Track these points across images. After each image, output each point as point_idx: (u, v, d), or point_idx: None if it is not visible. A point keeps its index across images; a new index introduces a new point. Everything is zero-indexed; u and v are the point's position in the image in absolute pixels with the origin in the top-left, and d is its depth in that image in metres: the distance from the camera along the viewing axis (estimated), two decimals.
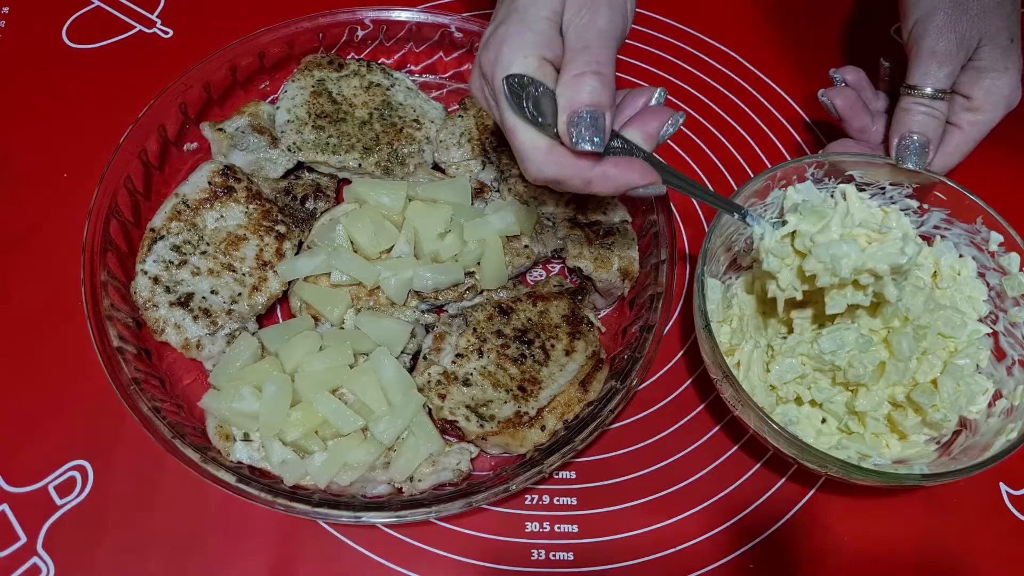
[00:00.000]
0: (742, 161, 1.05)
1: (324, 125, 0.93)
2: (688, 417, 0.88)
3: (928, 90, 0.83)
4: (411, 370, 0.83)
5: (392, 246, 0.86)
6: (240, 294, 0.85)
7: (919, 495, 0.85)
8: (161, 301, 0.82)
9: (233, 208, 0.88)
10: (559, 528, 0.81)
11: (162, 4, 1.12)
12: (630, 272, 0.89)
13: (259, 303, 0.85)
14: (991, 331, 0.84)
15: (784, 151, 1.06)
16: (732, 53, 1.14)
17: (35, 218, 0.94)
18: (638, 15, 1.15)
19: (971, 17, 0.81)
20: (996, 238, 0.84)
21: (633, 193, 0.67)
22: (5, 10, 1.09)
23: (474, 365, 0.81)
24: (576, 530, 0.81)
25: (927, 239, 0.89)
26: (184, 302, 0.82)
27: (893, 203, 0.89)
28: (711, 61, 1.13)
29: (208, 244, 0.86)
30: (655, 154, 0.69)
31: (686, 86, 1.10)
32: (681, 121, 0.69)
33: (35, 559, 0.77)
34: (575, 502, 0.83)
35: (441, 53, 1.05)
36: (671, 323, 0.94)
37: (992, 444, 0.75)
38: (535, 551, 0.80)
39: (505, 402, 0.80)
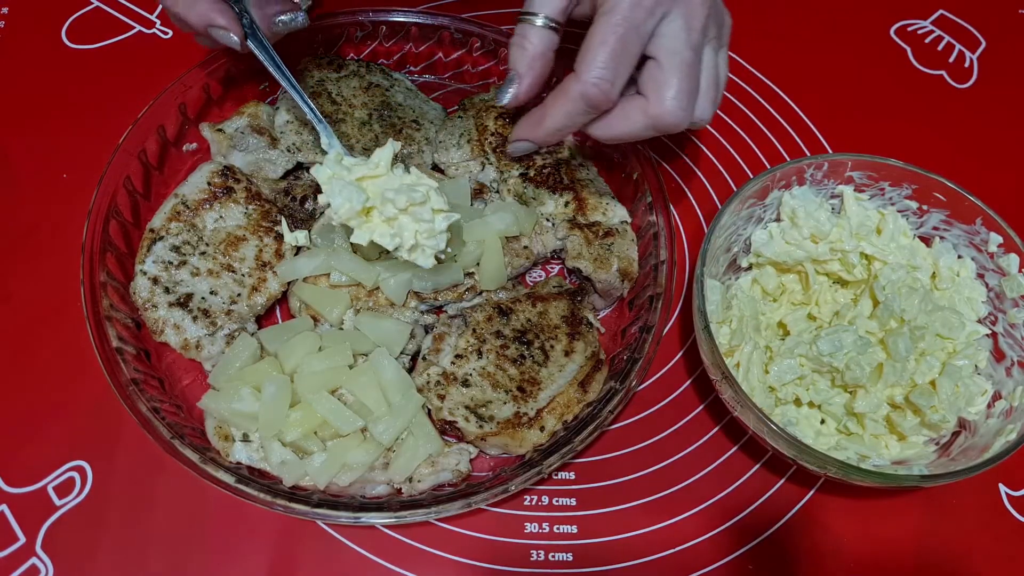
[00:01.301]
0: (741, 162, 1.05)
1: None
2: (687, 418, 0.88)
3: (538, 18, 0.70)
4: (410, 371, 0.83)
5: None
6: (239, 295, 0.85)
7: (918, 496, 0.85)
8: (160, 302, 0.82)
9: (232, 208, 0.88)
10: (558, 529, 0.81)
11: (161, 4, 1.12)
12: (629, 273, 0.89)
13: (258, 304, 0.85)
14: (990, 332, 0.84)
15: (783, 152, 1.06)
16: (730, 54, 1.13)
17: (35, 218, 0.94)
18: None
19: None
20: (995, 239, 0.84)
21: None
22: (5, 10, 1.09)
23: (473, 366, 0.81)
24: (575, 531, 0.81)
25: (926, 240, 0.89)
26: (183, 303, 0.82)
27: (892, 204, 0.89)
28: None
29: (207, 245, 0.86)
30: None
31: None
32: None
33: (34, 559, 0.77)
34: (574, 503, 0.83)
35: (440, 54, 1.05)
36: (670, 324, 0.94)
37: (991, 445, 0.75)
38: (534, 552, 0.80)
39: (504, 403, 0.80)
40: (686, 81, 0.67)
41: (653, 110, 0.67)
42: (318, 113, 0.85)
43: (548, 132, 0.73)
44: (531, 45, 0.70)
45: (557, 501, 0.83)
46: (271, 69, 0.82)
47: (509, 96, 0.73)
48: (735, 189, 1.00)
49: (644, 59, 0.68)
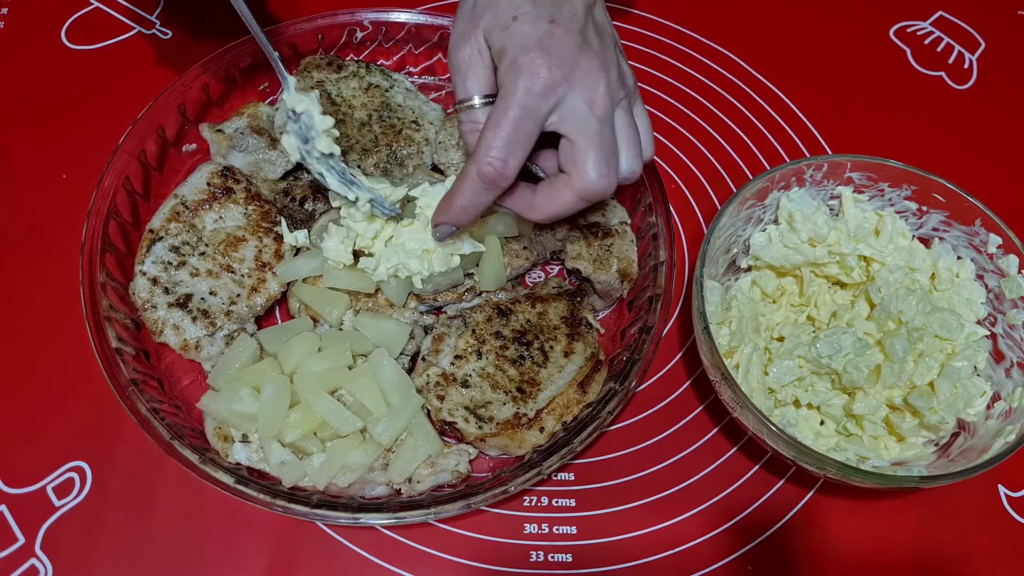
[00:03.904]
0: (741, 163, 1.05)
1: None
2: (687, 419, 0.88)
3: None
4: (410, 371, 0.83)
5: None
6: (239, 295, 0.85)
7: (918, 497, 0.85)
8: (160, 302, 0.82)
9: (232, 209, 0.88)
10: (558, 530, 0.81)
11: (161, 5, 1.12)
12: (629, 274, 0.89)
13: (258, 304, 0.85)
14: (989, 333, 0.84)
15: (783, 153, 1.06)
16: (731, 55, 1.14)
17: (34, 219, 0.94)
18: (637, 17, 1.16)
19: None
20: (995, 240, 0.84)
21: None
22: (5, 10, 1.09)
23: (473, 366, 0.81)
24: (575, 531, 0.81)
25: (925, 241, 0.89)
26: (183, 303, 0.82)
27: (891, 205, 0.89)
28: (709, 63, 1.13)
29: (207, 245, 0.86)
30: None
31: (685, 88, 1.10)
32: None
33: (33, 560, 0.77)
34: (574, 504, 0.83)
35: (440, 55, 1.05)
36: (670, 325, 0.94)
37: (990, 446, 0.75)
38: (534, 552, 0.80)
39: (504, 403, 0.80)
40: (600, 150, 0.70)
41: (577, 184, 0.71)
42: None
43: (458, 213, 0.75)
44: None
45: (556, 502, 0.83)
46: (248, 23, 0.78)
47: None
48: (734, 190, 1.00)
49: (559, 137, 0.72)
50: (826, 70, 1.14)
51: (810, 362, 0.83)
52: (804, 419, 0.84)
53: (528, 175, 0.77)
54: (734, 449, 0.86)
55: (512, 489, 0.74)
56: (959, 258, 0.87)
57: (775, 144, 1.07)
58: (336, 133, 0.81)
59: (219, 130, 0.93)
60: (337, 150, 0.81)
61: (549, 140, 0.73)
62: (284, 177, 0.94)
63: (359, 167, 0.92)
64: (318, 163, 0.81)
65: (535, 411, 0.80)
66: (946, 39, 1.18)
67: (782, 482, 0.85)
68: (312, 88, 0.96)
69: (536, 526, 0.81)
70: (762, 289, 0.90)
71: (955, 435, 0.81)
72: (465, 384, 0.80)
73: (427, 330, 0.87)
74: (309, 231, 0.89)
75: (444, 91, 1.06)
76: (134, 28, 1.09)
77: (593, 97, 0.69)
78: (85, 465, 0.81)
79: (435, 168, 0.96)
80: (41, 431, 0.83)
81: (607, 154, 0.70)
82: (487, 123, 0.70)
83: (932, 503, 0.84)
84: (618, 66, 0.72)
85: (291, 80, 0.80)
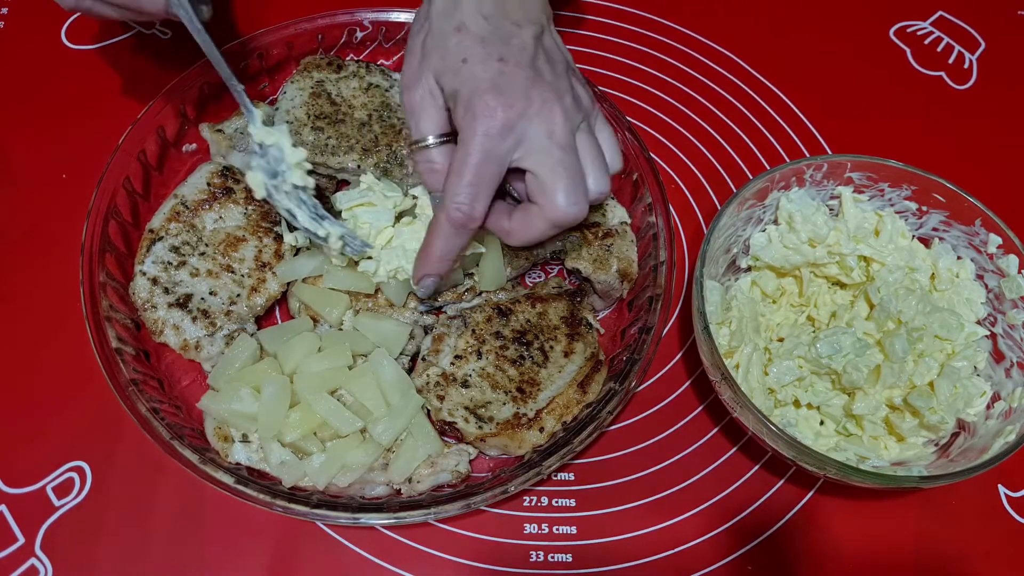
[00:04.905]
0: (741, 163, 1.05)
1: (323, 126, 0.93)
2: (687, 419, 0.88)
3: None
4: (410, 371, 0.83)
5: None
6: (239, 295, 0.85)
7: (918, 497, 0.85)
8: (160, 302, 0.82)
9: (232, 209, 0.88)
10: (558, 530, 0.81)
11: None
12: (629, 274, 0.89)
13: (258, 304, 0.85)
14: (989, 333, 0.84)
15: (783, 153, 1.06)
16: (730, 55, 1.14)
17: (34, 219, 0.94)
18: (637, 16, 1.16)
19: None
20: (995, 240, 0.84)
21: None
22: (5, 10, 1.09)
23: (473, 366, 0.81)
24: (575, 531, 0.81)
25: (925, 241, 0.89)
26: (183, 303, 0.82)
27: (891, 205, 0.89)
28: (709, 63, 1.13)
29: (207, 245, 0.86)
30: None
31: (685, 88, 1.10)
32: None
33: (33, 560, 0.77)
34: (574, 504, 0.83)
35: None
36: (670, 325, 0.94)
37: (990, 446, 0.75)
38: (534, 552, 0.80)
39: (504, 403, 0.80)
40: (566, 179, 0.70)
41: (549, 214, 0.71)
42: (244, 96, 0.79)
43: (437, 261, 0.76)
44: (439, 164, 0.75)
45: (556, 502, 0.83)
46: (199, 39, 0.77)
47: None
48: (734, 190, 1.00)
49: (522, 171, 0.72)
50: (826, 70, 1.14)
51: (810, 362, 0.83)
52: (804, 419, 0.84)
53: (503, 195, 0.78)
54: (734, 449, 0.86)
55: (512, 489, 0.74)
56: (959, 258, 0.87)
57: (775, 144, 1.07)
58: (308, 166, 0.78)
59: (219, 130, 0.93)
60: (311, 182, 0.79)
61: None
62: None
63: (358, 167, 0.92)
64: (287, 199, 0.78)
65: (535, 411, 0.80)
66: (946, 39, 1.18)
67: (782, 482, 0.85)
68: (312, 88, 0.96)
69: (536, 526, 0.81)
70: (762, 289, 0.90)
71: (955, 435, 0.81)
72: (465, 384, 0.80)
73: (427, 330, 0.87)
74: None
75: None
76: (134, 28, 1.09)
77: (552, 128, 0.69)
78: (85, 465, 0.81)
79: None
80: (41, 431, 0.83)
81: (574, 182, 0.70)
82: (451, 169, 0.70)
83: (932, 503, 0.84)
84: (572, 90, 0.72)
85: (257, 113, 0.78)
